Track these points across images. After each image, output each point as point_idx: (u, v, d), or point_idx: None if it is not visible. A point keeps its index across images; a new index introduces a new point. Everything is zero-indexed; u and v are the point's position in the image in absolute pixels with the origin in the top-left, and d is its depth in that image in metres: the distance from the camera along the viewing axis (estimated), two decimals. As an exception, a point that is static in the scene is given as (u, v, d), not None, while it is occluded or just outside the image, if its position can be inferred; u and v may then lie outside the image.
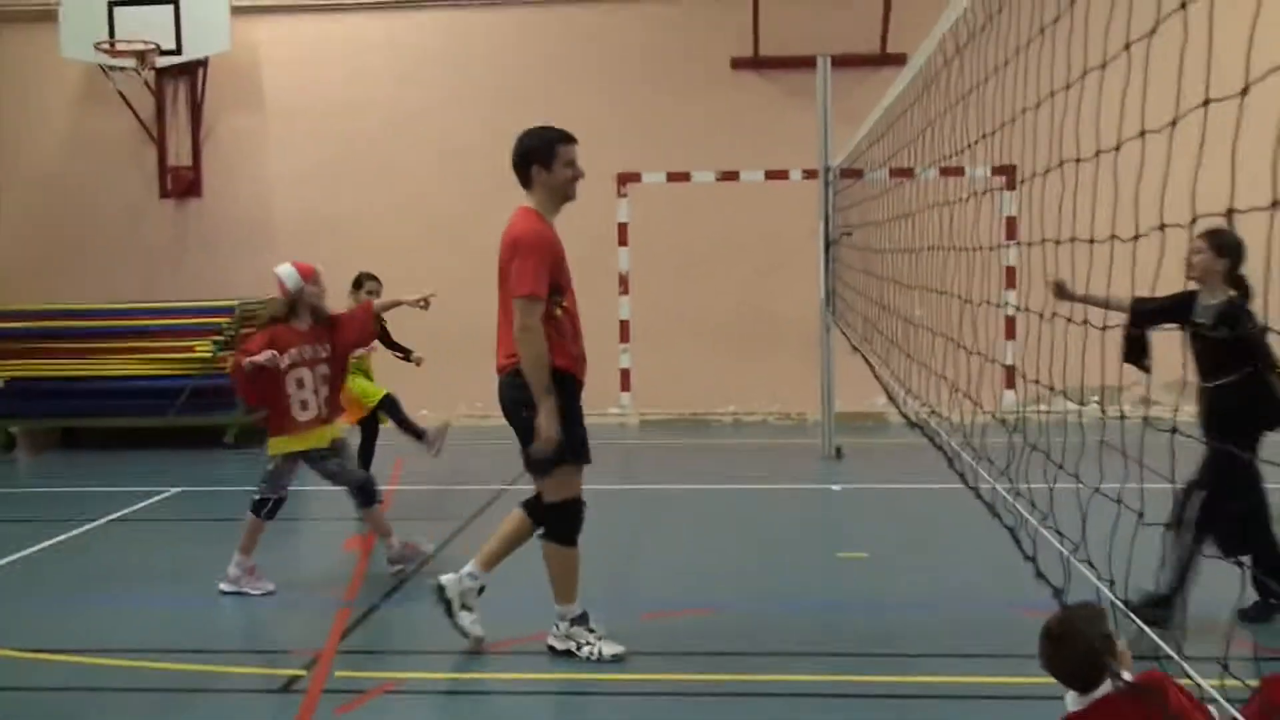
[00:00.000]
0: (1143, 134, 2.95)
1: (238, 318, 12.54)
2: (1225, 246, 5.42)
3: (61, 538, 8.27)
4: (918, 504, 9.08)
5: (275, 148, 14.06)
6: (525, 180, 5.50)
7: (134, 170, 14.13)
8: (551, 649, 5.54)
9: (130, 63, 12.91)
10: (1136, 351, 5.76)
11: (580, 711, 5.12)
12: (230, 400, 12.37)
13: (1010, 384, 10.52)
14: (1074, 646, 3.09)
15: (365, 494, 7.08)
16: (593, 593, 6.60)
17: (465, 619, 5.58)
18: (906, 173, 9.87)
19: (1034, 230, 4.96)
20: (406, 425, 8.93)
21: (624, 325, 13.85)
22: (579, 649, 5.47)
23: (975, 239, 6.07)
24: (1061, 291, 5.92)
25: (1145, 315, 5.71)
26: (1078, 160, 3.80)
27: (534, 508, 5.63)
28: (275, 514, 6.90)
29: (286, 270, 6.86)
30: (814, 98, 11.33)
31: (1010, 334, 11.36)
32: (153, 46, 12.79)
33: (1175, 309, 5.61)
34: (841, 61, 11.76)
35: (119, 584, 7.21)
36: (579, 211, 13.85)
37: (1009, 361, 11.15)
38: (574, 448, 5.42)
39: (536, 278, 5.20)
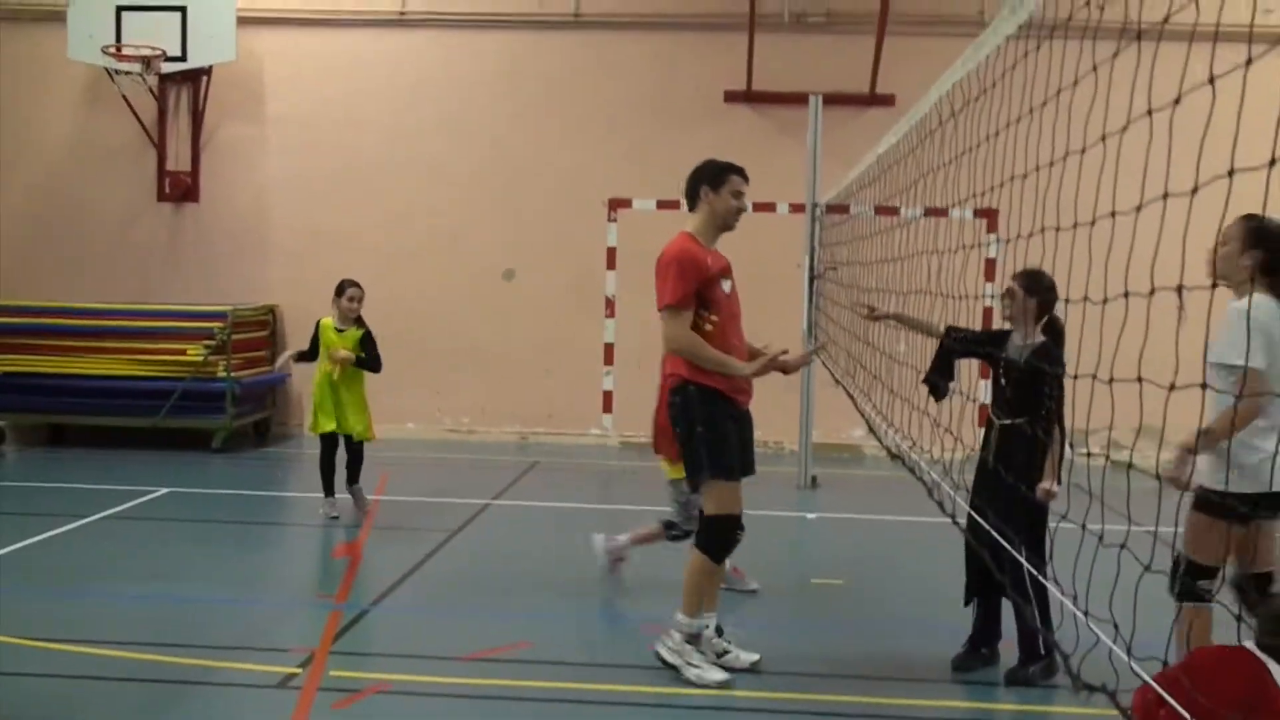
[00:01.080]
0: (1113, 214, 3.24)
1: (230, 323, 12.72)
2: (1034, 287, 5.56)
3: (55, 532, 8.45)
4: (892, 534, 9.36)
5: (273, 157, 14.27)
6: (692, 201, 5.77)
7: (133, 173, 14.30)
8: (659, 657, 5.65)
9: (136, 67, 13.09)
10: (938, 376, 5.93)
11: (553, 717, 5.32)
12: (219, 405, 12.58)
13: (983, 422, 10.77)
14: None
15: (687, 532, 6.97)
16: (589, 606, 6.91)
17: (703, 675, 5.57)
18: (892, 210, 10.18)
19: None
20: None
21: (608, 348, 14.09)
22: (685, 668, 5.55)
23: (959, 283, 6.38)
24: (873, 314, 6.29)
25: (956, 343, 5.92)
26: (1057, 229, 4.08)
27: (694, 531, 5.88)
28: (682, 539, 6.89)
29: None
30: (802, 133, 11.62)
31: (985, 374, 11.66)
32: (159, 52, 13.00)
33: (987, 344, 5.79)
34: (831, 100, 12.06)
35: (113, 579, 7.40)
36: (570, 234, 14.30)
37: (984, 400, 11.48)
38: (720, 464, 5.55)
39: (675, 290, 5.46)
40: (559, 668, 5.73)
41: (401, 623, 6.61)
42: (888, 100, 13.62)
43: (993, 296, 11.33)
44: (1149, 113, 3.05)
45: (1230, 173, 2.45)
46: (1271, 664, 3.46)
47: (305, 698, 5.19)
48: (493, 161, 14.09)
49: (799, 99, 12.65)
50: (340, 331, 9.03)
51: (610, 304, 14.07)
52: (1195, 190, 2.64)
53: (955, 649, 5.90)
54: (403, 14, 14.05)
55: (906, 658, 6.08)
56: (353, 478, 9.26)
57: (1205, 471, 4.67)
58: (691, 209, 5.77)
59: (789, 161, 12.81)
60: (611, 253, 14.02)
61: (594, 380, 14.08)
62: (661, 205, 13.81)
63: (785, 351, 5.78)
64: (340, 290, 9.11)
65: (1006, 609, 5.70)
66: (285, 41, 14.13)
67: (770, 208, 13.39)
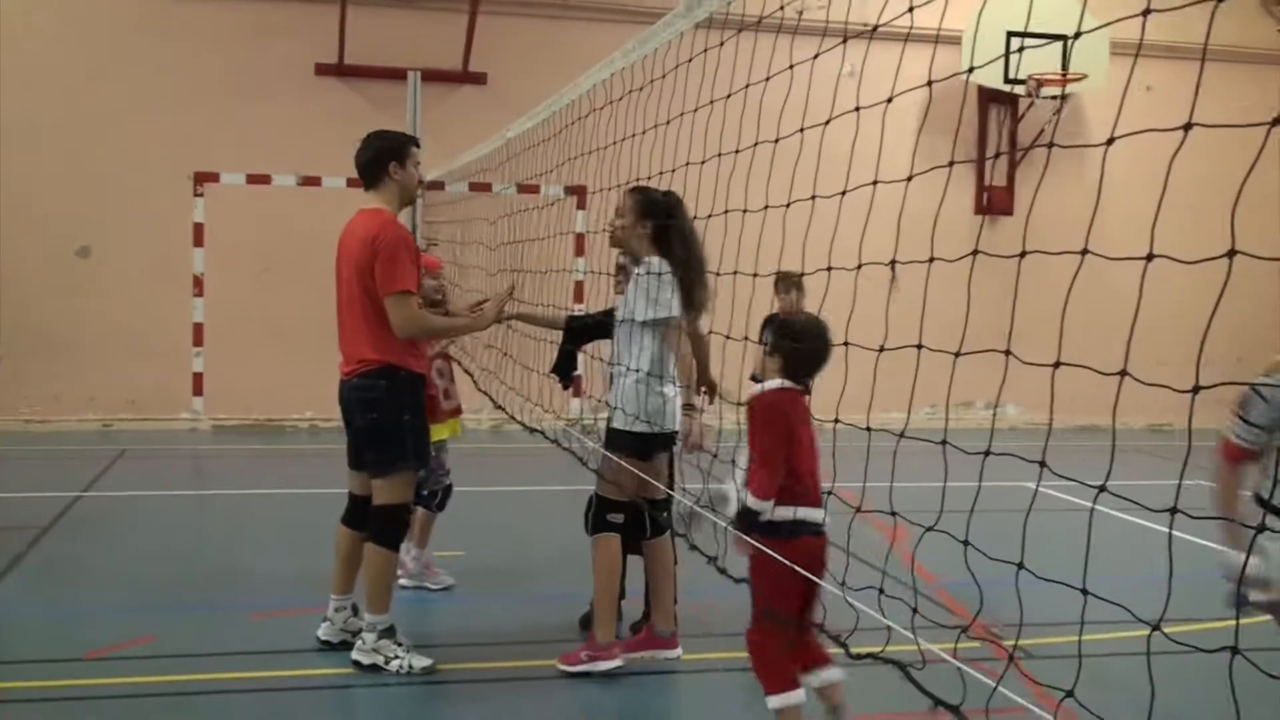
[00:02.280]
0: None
1: None
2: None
3: None
4: (499, 504, 9.61)
5: None
6: (376, 179, 5.49)
7: None
8: (357, 664, 5.42)
9: None
10: (563, 367, 6.17)
11: (193, 710, 5.16)
12: None
13: (578, 393, 11.18)
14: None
15: (441, 501, 6.82)
16: (206, 595, 6.72)
17: (406, 663, 5.41)
18: (485, 187, 10.42)
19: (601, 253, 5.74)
20: None
21: (197, 328, 13.53)
22: (387, 663, 5.39)
23: (551, 259, 6.74)
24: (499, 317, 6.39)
25: (576, 332, 6.19)
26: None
27: (357, 517, 5.65)
28: (446, 503, 6.83)
29: None
30: (396, 108, 11.63)
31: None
32: None
33: (604, 324, 6.03)
34: (425, 76, 12.09)
35: None
36: (152, 209, 13.55)
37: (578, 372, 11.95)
38: (421, 454, 5.52)
39: (409, 275, 5.27)
40: (189, 660, 5.54)
41: (4, 627, 6.16)
42: (480, 78, 13.83)
43: (584, 271, 11.82)
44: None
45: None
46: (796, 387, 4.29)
47: (-94, 716, 4.78)
48: (61, 129, 13.11)
49: (392, 74, 12.66)
50: None
51: (199, 282, 13.50)
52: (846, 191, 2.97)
53: (580, 609, 6.17)
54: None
55: (537, 620, 6.32)
56: None
57: (618, 416, 5.35)
58: (371, 186, 5.53)
59: (384, 137, 12.76)
60: (199, 229, 13.44)
61: (183, 362, 13.49)
62: (252, 180, 13.41)
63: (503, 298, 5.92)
64: None
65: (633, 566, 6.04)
66: None
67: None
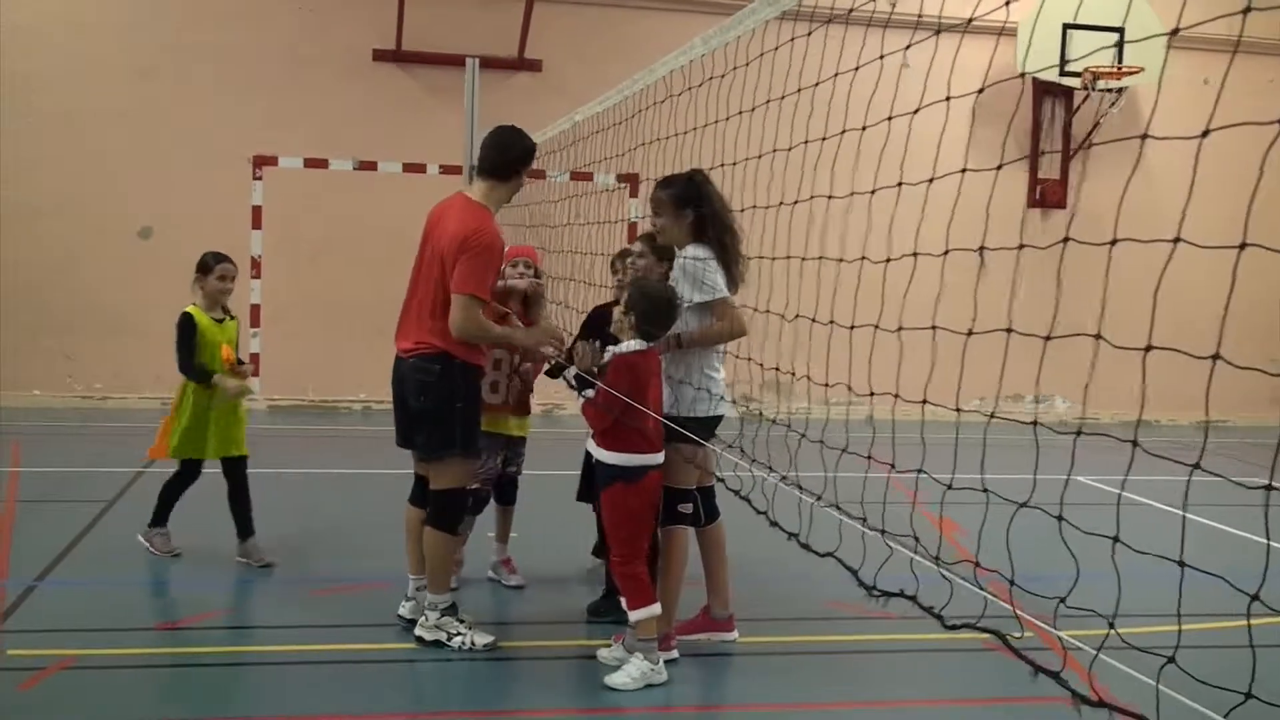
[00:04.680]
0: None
1: None
2: (666, 253, 5.76)
3: None
4: (555, 488, 9.69)
5: None
6: (496, 175, 5.52)
7: None
8: (419, 640, 5.57)
9: None
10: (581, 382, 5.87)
11: (262, 682, 5.30)
12: None
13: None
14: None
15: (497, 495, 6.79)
16: (254, 572, 6.85)
17: (468, 639, 5.56)
18: (539, 174, 10.53)
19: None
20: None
21: (255, 309, 13.72)
22: (450, 639, 5.52)
23: (603, 244, 6.85)
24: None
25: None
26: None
27: (423, 497, 5.76)
28: (480, 508, 6.51)
29: None
30: (451, 94, 11.75)
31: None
32: None
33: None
34: (481, 63, 12.18)
35: None
36: (212, 191, 13.73)
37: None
38: (472, 441, 5.60)
39: (483, 281, 5.31)
40: (254, 632, 5.72)
41: (75, 596, 6.34)
42: (535, 65, 13.94)
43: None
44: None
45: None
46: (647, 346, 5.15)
47: (-13, 680, 4.96)
48: (124, 114, 13.35)
49: (449, 60, 12.78)
50: (219, 323, 7.30)
51: (256, 264, 13.70)
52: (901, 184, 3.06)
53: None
54: (18, -48, 13.06)
55: (554, 605, 6.45)
56: (248, 525, 7.25)
57: (677, 405, 5.35)
58: (487, 178, 5.54)
59: (439, 122, 12.93)
60: (257, 211, 13.62)
61: (241, 342, 13.65)
62: (310, 164, 13.58)
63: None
64: (207, 267, 7.16)
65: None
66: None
67: (421, 169, 13.42)
